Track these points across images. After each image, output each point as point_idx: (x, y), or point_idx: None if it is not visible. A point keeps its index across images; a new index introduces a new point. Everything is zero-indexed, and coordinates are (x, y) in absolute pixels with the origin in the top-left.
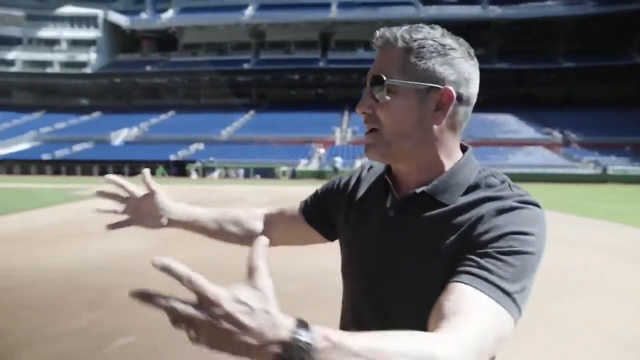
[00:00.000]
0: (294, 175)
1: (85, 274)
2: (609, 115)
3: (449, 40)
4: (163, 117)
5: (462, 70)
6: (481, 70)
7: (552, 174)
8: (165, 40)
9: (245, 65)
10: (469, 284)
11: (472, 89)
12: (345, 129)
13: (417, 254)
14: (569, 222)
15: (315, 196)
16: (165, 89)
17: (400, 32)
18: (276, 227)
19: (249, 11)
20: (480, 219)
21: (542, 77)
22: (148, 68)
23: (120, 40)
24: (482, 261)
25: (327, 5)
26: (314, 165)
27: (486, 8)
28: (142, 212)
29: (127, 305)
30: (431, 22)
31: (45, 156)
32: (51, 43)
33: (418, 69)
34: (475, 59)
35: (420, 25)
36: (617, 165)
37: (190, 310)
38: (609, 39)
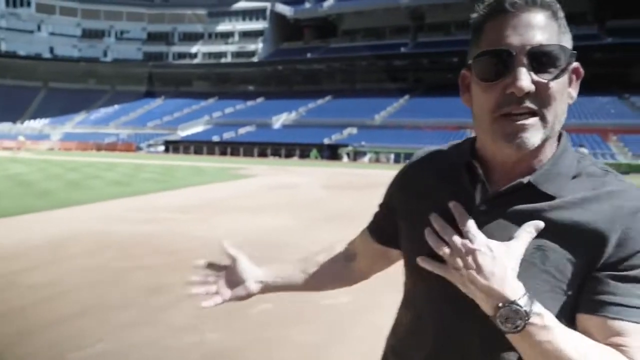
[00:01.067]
0: None
1: (240, 245)
2: None
3: None
4: (320, 102)
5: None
6: None
7: None
8: (326, 27)
9: (403, 49)
10: (629, 321)
11: None
12: None
13: (526, 259)
14: None
15: (379, 211)
16: (324, 75)
17: None
18: (358, 259)
19: None
20: (611, 224)
21: None
22: (308, 55)
23: (285, 29)
24: (629, 287)
25: None
26: None
27: None
28: (231, 284)
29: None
30: None
31: (215, 138)
32: (226, 36)
33: (566, 39)
34: None
35: None
36: None
37: (454, 238)
38: None
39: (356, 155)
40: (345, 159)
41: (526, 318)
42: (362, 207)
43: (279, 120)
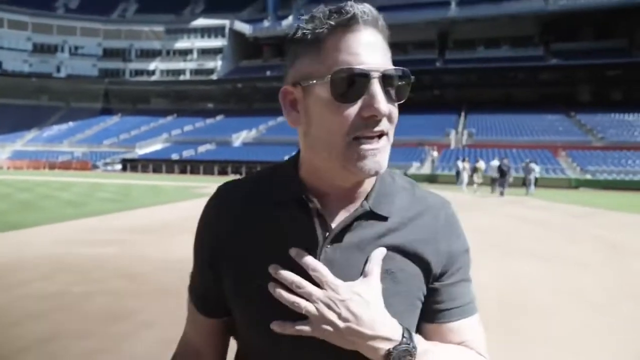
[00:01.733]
0: None
1: None
2: None
3: None
4: (280, 119)
5: None
6: (622, 65)
7: None
8: (284, 45)
9: None
10: (466, 317)
11: None
12: (462, 132)
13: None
14: None
15: (198, 276)
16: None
17: (374, 11)
18: (203, 355)
19: None
20: (434, 235)
21: None
22: (268, 73)
23: (244, 47)
24: (462, 285)
25: (446, 4)
26: (426, 169)
27: None
28: None
29: None
30: (563, 14)
31: (174, 156)
32: (185, 53)
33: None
34: None
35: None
36: None
37: (314, 291)
38: None
39: None
40: None
41: (414, 351)
42: None
43: (239, 138)
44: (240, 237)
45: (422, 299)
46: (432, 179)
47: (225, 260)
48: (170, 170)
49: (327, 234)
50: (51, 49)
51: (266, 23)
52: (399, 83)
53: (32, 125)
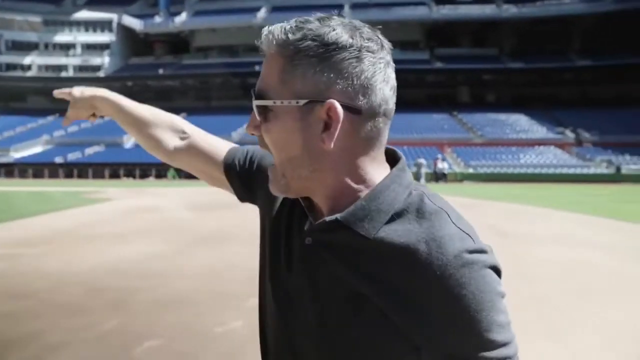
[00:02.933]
0: None
1: (106, 277)
2: (623, 115)
3: (341, 37)
4: None
5: (356, 74)
6: (493, 70)
7: (565, 173)
8: (178, 43)
9: (257, 67)
10: None
11: (378, 95)
12: None
13: (338, 298)
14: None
15: (248, 160)
16: (177, 92)
17: (279, 31)
18: (192, 155)
19: (261, 14)
20: (412, 272)
21: (557, 76)
22: (160, 71)
23: (134, 43)
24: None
25: (339, 7)
26: None
27: (500, 7)
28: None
29: (152, 308)
30: (445, 22)
31: (58, 159)
32: (66, 48)
33: (295, 81)
34: (386, 54)
35: (309, 18)
36: (631, 164)
37: None
38: (626, 36)
39: None
40: None
41: None
42: (230, 228)
43: (131, 139)
44: (269, 204)
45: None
46: None
47: (263, 212)
48: (54, 175)
49: (304, 234)
50: None
51: (158, 19)
52: (260, 104)
53: None
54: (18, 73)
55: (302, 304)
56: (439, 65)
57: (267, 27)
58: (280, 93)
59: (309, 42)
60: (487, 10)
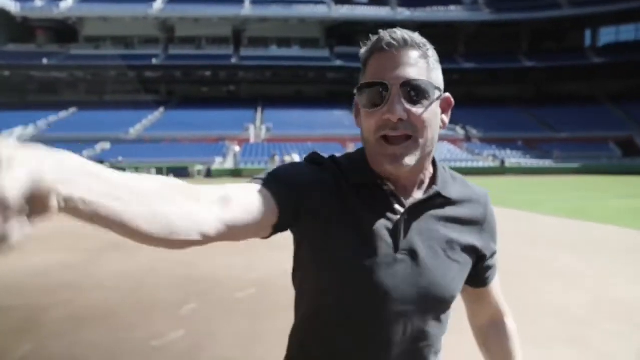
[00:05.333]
0: (209, 174)
1: (7, 295)
2: (502, 113)
3: None
4: (63, 114)
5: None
6: None
7: (458, 167)
8: (64, 31)
9: (154, 61)
10: (495, 280)
11: None
12: (260, 127)
13: (443, 250)
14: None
15: (284, 190)
16: (65, 84)
17: (409, 35)
18: (233, 207)
19: (158, 4)
20: (484, 217)
21: (445, 77)
22: (45, 61)
23: (11, 28)
24: (495, 258)
25: (240, 1)
26: (229, 164)
27: (395, 10)
28: None
29: (70, 326)
30: (343, 21)
31: None
32: None
33: (435, 75)
34: None
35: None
36: (512, 158)
37: None
38: (502, 43)
39: None
40: None
41: None
42: None
43: (14, 136)
44: (332, 205)
45: (468, 271)
46: (236, 173)
47: (311, 217)
48: None
49: (403, 210)
50: None
51: (39, 2)
52: (422, 92)
53: None
54: None
55: (415, 268)
56: (339, 63)
57: (396, 29)
58: (431, 83)
59: (431, 47)
60: (383, 12)
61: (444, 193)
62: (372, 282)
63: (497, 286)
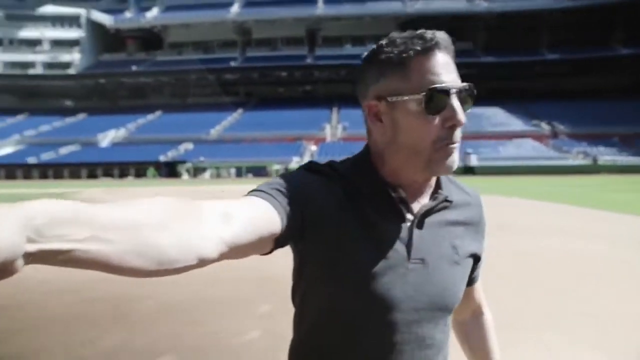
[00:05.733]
0: None
1: (99, 284)
2: (595, 106)
3: None
4: (150, 117)
5: None
6: (468, 64)
7: (543, 165)
8: (151, 39)
9: (232, 63)
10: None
11: None
12: (335, 126)
13: (450, 255)
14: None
15: (293, 212)
16: (152, 89)
17: (446, 35)
18: (233, 254)
19: (235, 8)
20: (479, 217)
21: (528, 69)
22: (133, 68)
23: (105, 39)
24: (483, 256)
25: (313, 1)
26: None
27: (472, 2)
28: None
29: (157, 318)
30: (418, 17)
31: (31, 160)
32: (33, 44)
33: None
34: None
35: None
36: (606, 155)
37: None
38: (591, 31)
39: (196, 172)
40: (185, 176)
41: None
42: None
43: (107, 138)
44: (339, 215)
45: (469, 274)
46: None
47: (317, 229)
48: (27, 176)
49: (412, 217)
50: None
51: (128, 14)
52: (467, 95)
53: None
54: None
55: (426, 276)
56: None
57: (431, 31)
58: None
59: (451, 44)
60: (459, 4)
61: (449, 197)
62: (385, 293)
63: (479, 280)
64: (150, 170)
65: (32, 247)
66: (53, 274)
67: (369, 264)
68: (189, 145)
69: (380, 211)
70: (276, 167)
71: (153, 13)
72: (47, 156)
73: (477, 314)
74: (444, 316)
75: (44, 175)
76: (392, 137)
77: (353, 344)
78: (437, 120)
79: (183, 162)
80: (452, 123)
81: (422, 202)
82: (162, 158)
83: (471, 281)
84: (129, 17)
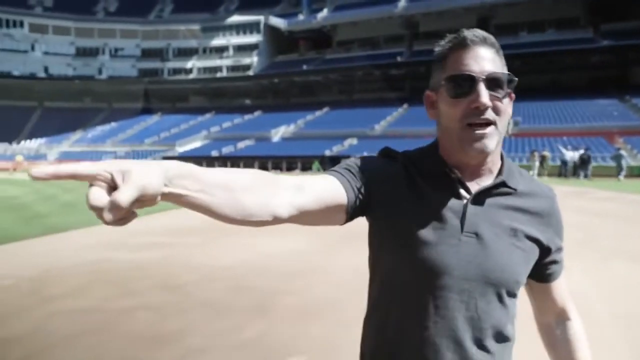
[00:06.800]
0: None
1: (250, 274)
2: None
3: None
4: (318, 113)
5: None
6: None
7: None
8: (320, 38)
9: (399, 58)
10: (562, 273)
11: None
12: (509, 120)
13: (507, 236)
14: None
15: (360, 189)
16: (320, 86)
17: (484, 33)
18: (306, 195)
19: (402, 3)
20: (550, 211)
21: None
22: (304, 67)
23: (279, 42)
24: (560, 255)
25: None
26: None
27: None
28: None
29: (297, 315)
30: None
31: (214, 153)
32: (221, 50)
33: (505, 69)
34: None
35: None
36: None
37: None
38: None
39: None
40: None
41: None
42: None
43: (278, 133)
44: (400, 193)
45: (534, 262)
46: None
47: (381, 204)
48: (210, 166)
49: (469, 195)
50: (93, 52)
51: (301, 17)
52: (507, 83)
53: (77, 127)
54: (182, 76)
55: (479, 249)
56: (605, 43)
57: (465, 30)
58: (508, 76)
59: (498, 45)
60: None
61: (510, 183)
62: (436, 260)
63: (563, 284)
64: (315, 164)
65: (166, 189)
66: (210, 260)
67: (423, 234)
68: (353, 141)
69: (438, 189)
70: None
71: (323, 14)
72: (227, 150)
73: (562, 318)
74: (498, 291)
75: (223, 167)
76: (439, 121)
77: (412, 307)
78: (463, 103)
79: (347, 156)
80: (474, 105)
81: (481, 185)
82: (327, 152)
83: (547, 277)
84: (301, 19)
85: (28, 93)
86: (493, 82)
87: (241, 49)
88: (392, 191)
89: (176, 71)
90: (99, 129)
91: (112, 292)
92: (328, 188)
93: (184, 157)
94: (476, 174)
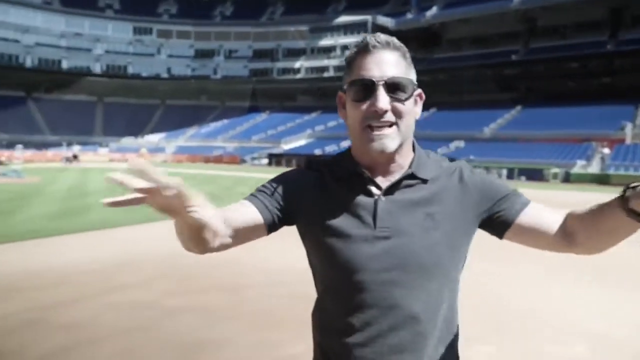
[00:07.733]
0: (567, 179)
1: (307, 284)
2: None
3: None
4: (425, 114)
5: None
6: None
7: None
8: (429, 37)
9: (513, 57)
10: (528, 205)
11: None
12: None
13: (421, 222)
14: None
15: (277, 201)
16: (427, 87)
17: (390, 38)
18: (234, 237)
19: None
20: (460, 180)
21: None
22: None
23: None
24: (510, 196)
25: None
26: (594, 168)
27: None
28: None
29: None
30: None
31: (317, 151)
32: (328, 51)
33: (411, 72)
34: None
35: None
36: None
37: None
38: None
39: None
40: None
41: None
42: None
43: None
44: (315, 198)
45: (469, 228)
46: (603, 179)
47: (300, 213)
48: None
49: (380, 191)
50: (209, 54)
51: (409, 15)
52: (402, 87)
53: (193, 123)
54: (290, 76)
55: (394, 241)
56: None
57: (378, 33)
58: (411, 80)
59: (405, 49)
60: None
61: (419, 174)
62: (352, 257)
63: (536, 206)
64: None
65: (189, 208)
66: (279, 263)
67: (338, 234)
68: (460, 144)
69: (351, 189)
70: (555, 170)
71: (432, 12)
72: (329, 148)
73: (565, 221)
74: (420, 278)
75: None
76: (346, 122)
77: (339, 301)
78: (364, 106)
79: (452, 160)
80: (371, 109)
81: (392, 181)
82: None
83: (511, 215)
84: (409, 18)
85: (153, 92)
86: (393, 86)
87: (348, 49)
88: (307, 199)
89: (285, 71)
90: (212, 125)
91: (167, 288)
92: (242, 212)
93: (289, 154)
94: (387, 171)
